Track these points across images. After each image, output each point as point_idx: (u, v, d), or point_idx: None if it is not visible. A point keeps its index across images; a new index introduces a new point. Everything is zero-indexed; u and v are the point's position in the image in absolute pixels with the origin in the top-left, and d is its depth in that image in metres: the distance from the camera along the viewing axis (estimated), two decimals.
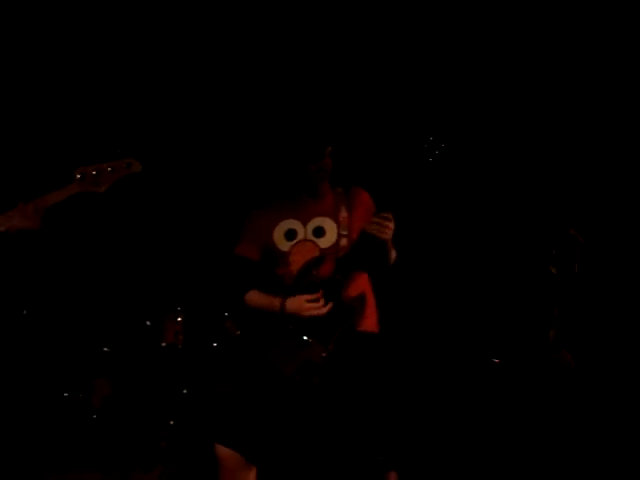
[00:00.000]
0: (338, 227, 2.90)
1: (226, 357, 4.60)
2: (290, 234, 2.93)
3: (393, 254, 2.90)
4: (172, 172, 4.94)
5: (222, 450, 2.74)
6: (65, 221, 3.96)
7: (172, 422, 4.46)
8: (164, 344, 4.68)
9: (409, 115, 4.73)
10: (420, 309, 5.03)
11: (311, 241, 2.90)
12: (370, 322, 2.90)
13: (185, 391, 4.56)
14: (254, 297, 2.95)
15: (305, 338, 2.76)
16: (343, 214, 2.92)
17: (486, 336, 4.83)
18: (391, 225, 2.72)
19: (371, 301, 2.94)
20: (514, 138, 4.96)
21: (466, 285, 5.02)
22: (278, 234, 2.94)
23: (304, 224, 2.93)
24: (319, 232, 2.91)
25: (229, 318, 4.63)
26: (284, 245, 2.92)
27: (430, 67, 4.81)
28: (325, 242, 2.90)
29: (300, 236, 2.92)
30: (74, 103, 4.83)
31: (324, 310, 2.78)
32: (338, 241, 2.88)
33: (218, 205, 4.99)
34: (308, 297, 2.79)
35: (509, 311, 4.70)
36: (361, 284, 2.90)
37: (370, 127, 4.88)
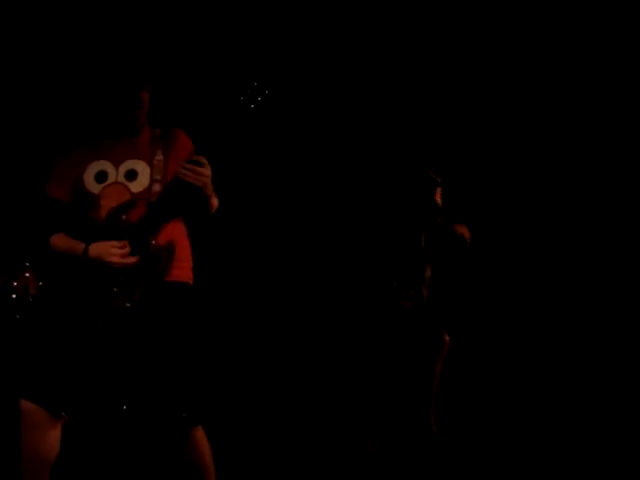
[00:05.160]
0: (152, 171, 2.73)
1: (28, 308, 4.32)
2: (101, 176, 2.75)
3: (214, 202, 2.75)
4: None
5: (26, 405, 2.55)
6: None
7: None
8: None
9: (234, 56, 4.61)
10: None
11: (122, 184, 2.73)
12: (181, 272, 2.75)
13: None
14: (59, 241, 2.77)
15: (111, 287, 2.61)
16: (158, 157, 2.75)
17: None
18: (206, 171, 2.58)
19: (184, 250, 2.80)
20: None
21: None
22: (88, 175, 2.75)
23: (116, 166, 2.76)
24: (131, 175, 2.74)
25: (29, 267, 4.32)
26: (94, 187, 2.74)
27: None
28: (137, 186, 2.73)
29: (111, 179, 2.74)
30: None
31: (130, 260, 2.62)
32: (151, 186, 2.72)
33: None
34: (114, 244, 2.63)
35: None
36: (173, 231, 2.73)
37: (195, 67, 4.72)
